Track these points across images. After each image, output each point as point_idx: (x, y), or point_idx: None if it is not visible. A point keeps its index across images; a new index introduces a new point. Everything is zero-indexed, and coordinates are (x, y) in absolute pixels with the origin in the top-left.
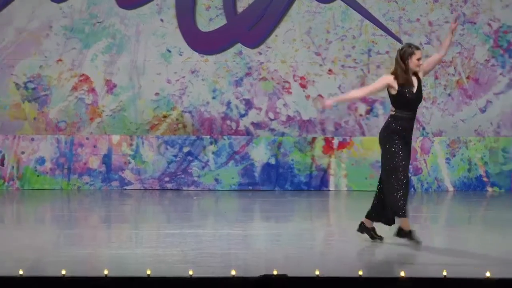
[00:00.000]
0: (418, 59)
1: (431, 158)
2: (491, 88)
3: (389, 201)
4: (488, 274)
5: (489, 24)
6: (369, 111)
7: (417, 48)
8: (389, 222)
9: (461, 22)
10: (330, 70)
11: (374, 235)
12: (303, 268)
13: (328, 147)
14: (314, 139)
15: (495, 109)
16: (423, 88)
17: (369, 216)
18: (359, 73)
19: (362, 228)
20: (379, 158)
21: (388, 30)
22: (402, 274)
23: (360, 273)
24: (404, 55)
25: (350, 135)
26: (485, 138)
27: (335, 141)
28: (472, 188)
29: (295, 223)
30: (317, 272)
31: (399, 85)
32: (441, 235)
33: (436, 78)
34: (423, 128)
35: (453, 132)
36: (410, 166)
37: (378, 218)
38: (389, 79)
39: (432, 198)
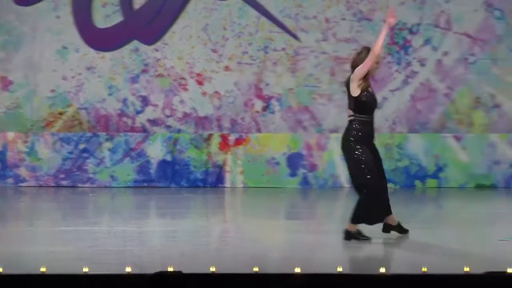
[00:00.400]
0: (377, 62)
1: (327, 155)
2: (387, 84)
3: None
4: (383, 270)
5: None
6: (265, 108)
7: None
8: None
9: (358, 19)
10: (226, 67)
11: (360, 237)
12: (198, 264)
13: (224, 144)
14: (210, 135)
15: (390, 105)
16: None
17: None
18: (255, 70)
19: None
20: (275, 155)
21: (284, 27)
22: (298, 270)
23: (256, 269)
24: (364, 59)
25: (246, 132)
26: (380, 135)
27: (231, 138)
28: None
29: (191, 220)
30: (212, 269)
31: (361, 88)
32: (336, 232)
33: (333, 74)
34: (320, 125)
35: None
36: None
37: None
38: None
39: (328, 194)
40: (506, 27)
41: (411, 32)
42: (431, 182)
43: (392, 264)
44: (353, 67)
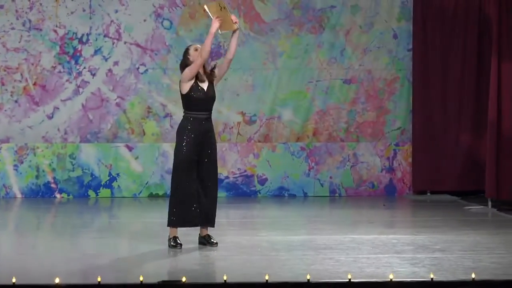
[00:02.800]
0: (195, 49)
1: None
2: (58, 94)
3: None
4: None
5: (55, 31)
6: None
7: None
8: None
9: (27, 29)
10: None
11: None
12: None
13: None
14: None
15: (62, 115)
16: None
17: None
18: None
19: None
20: None
21: None
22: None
23: None
24: (184, 55)
25: None
26: (53, 145)
27: None
28: (41, 194)
29: None
30: None
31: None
32: (10, 242)
33: (3, 84)
34: None
35: (20, 139)
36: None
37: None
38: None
39: (1, 205)
40: (175, 37)
41: (81, 41)
42: (104, 192)
43: (65, 276)
44: (182, 67)
